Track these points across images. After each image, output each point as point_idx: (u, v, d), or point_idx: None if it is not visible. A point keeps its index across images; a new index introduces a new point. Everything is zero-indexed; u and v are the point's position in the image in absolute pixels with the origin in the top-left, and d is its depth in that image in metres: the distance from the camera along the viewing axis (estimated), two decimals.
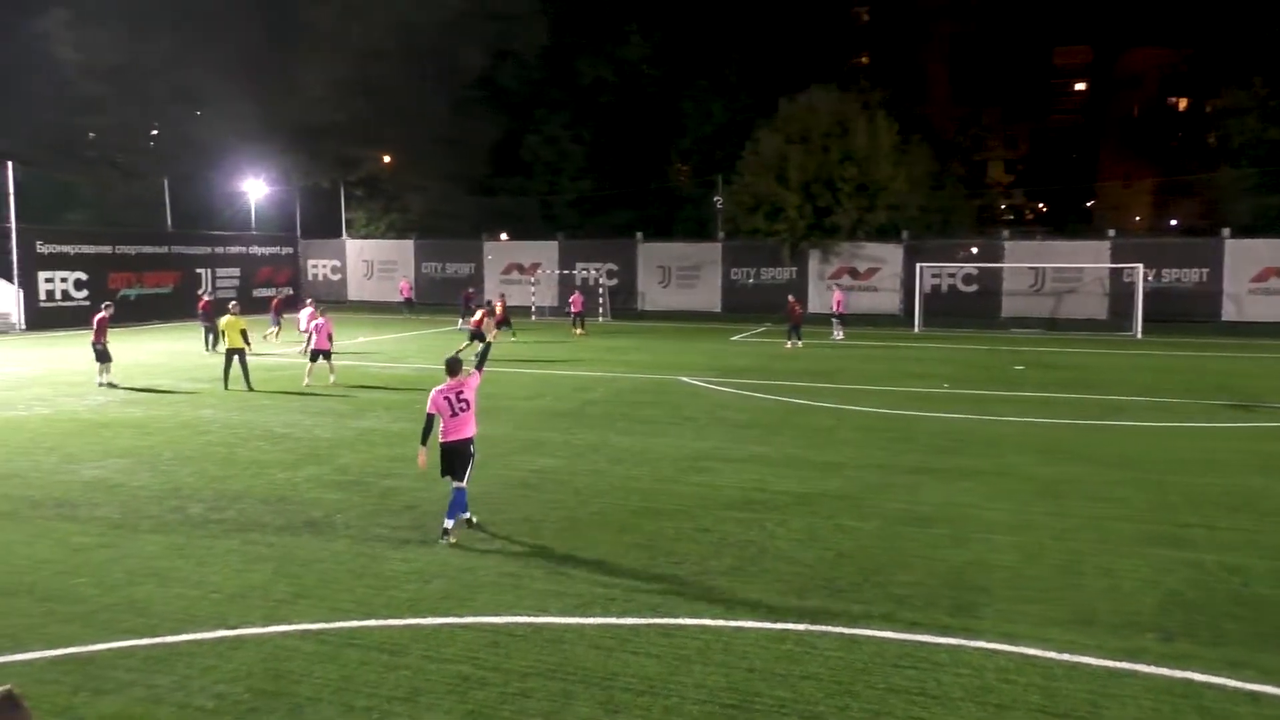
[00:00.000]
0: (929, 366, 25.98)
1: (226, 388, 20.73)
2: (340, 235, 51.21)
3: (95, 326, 21.93)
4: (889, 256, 41.86)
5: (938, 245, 42.14)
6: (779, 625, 7.90)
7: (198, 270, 42.58)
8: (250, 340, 21.80)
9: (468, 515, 10.58)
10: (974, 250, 41.98)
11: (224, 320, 21.75)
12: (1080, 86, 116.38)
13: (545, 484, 12.74)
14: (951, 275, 41.25)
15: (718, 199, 46.21)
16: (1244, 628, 7.95)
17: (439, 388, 10.25)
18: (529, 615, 8.16)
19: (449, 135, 51.43)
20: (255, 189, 48.42)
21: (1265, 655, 7.39)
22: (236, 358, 21.07)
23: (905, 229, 41.88)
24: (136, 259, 39.89)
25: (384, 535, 10.46)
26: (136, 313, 38.71)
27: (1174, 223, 67.41)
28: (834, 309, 34.48)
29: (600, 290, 43.77)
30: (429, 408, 10.16)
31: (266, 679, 7.00)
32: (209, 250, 43.59)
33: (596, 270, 44.91)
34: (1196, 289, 37.77)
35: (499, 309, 31.36)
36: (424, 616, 8.13)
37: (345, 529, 10.69)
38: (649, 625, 7.97)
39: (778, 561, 9.60)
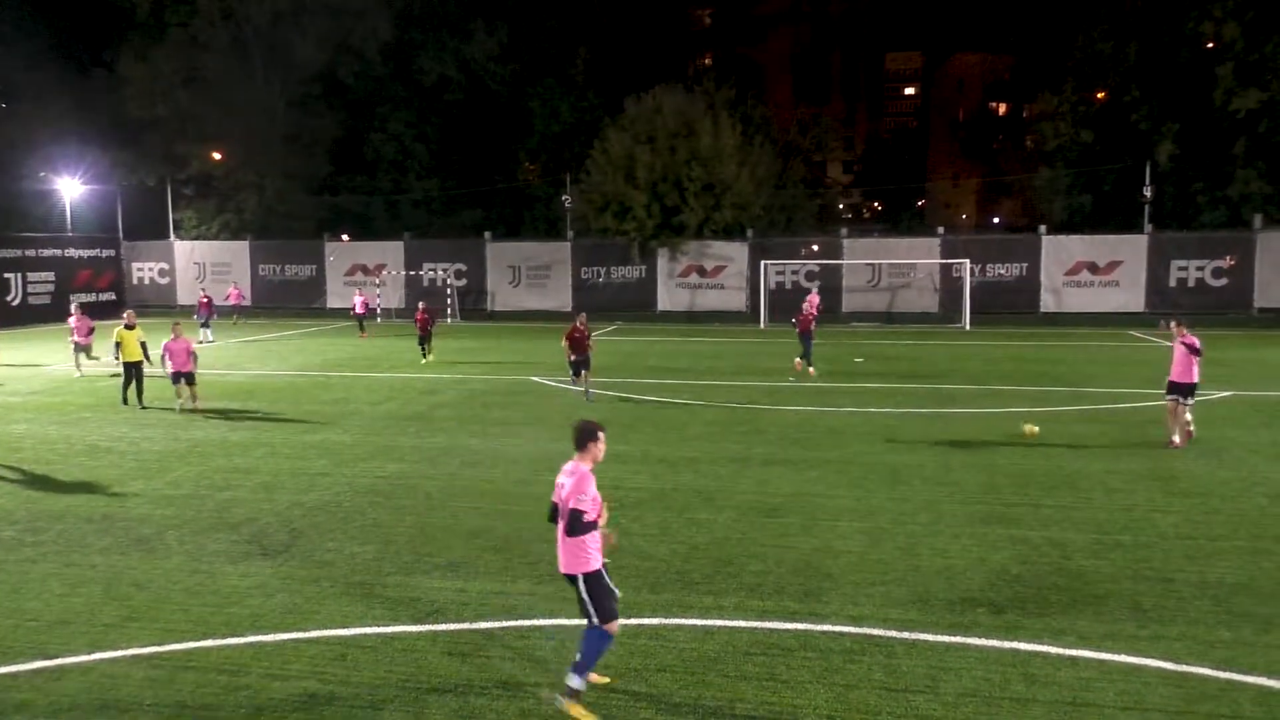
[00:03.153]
0: (775, 361, 26.69)
1: (125, 402, 18.91)
2: (168, 236, 48.52)
3: None
4: (735, 255, 42.81)
5: (781, 243, 43.37)
6: (634, 621, 7.94)
7: (6, 275, 39.46)
8: (150, 354, 19.53)
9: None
10: (815, 248, 43.41)
11: (119, 331, 19.43)
12: (911, 91, 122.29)
13: (395, 490, 12.42)
14: (795, 272, 42.52)
15: (566, 198, 46.21)
16: (1064, 597, 8.49)
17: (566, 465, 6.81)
18: (379, 625, 7.94)
19: (286, 132, 49.48)
20: (70, 188, 45.32)
21: (1083, 621, 7.92)
22: (135, 372, 19.04)
23: (750, 228, 42.92)
24: None
25: (221, 551, 9.97)
26: None
27: (997, 220, 71.60)
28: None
29: (448, 291, 43.05)
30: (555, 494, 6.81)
31: (92, 711, 6.55)
32: (19, 253, 40.45)
33: (445, 271, 44.16)
34: (1018, 283, 40.19)
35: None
36: (266, 633, 7.79)
37: (179, 546, 10.13)
38: (504, 628, 7.88)
39: (633, 557, 9.66)
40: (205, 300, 33.93)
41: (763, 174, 45.10)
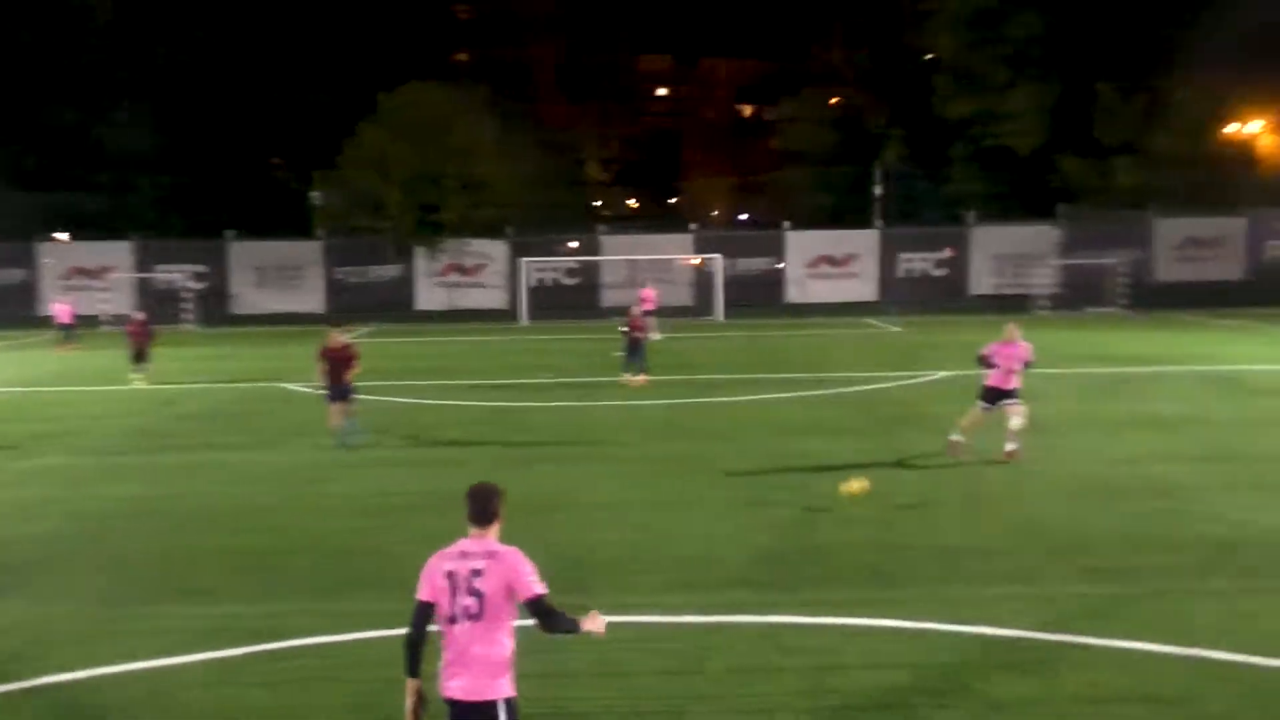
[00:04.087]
0: (537, 358, 26.78)
1: None
2: None
3: None
4: (495, 253, 42.56)
5: (541, 241, 43.55)
6: (399, 631, 7.70)
7: None
8: None
9: None
10: (574, 245, 43.93)
11: None
12: (664, 92, 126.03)
13: (133, 513, 11.41)
14: (554, 269, 42.83)
15: (317, 195, 44.14)
16: (815, 571, 9.04)
17: (445, 549, 4.73)
18: (119, 664, 7.25)
19: None
20: None
21: (830, 592, 8.46)
22: None
23: (510, 225, 42.80)
24: None
25: None
26: None
27: (747, 217, 75.22)
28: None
29: (185, 295, 40.05)
30: (418, 590, 4.70)
31: None
32: None
33: (182, 273, 40.98)
34: (766, 275, 42.43)
35: None
36: None
37: None
38: (260, 652, 7.42)
39: (398, 567, 9.34)
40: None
41: (523, 172, 45.09)
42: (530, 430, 16.19)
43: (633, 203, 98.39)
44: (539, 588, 4.51)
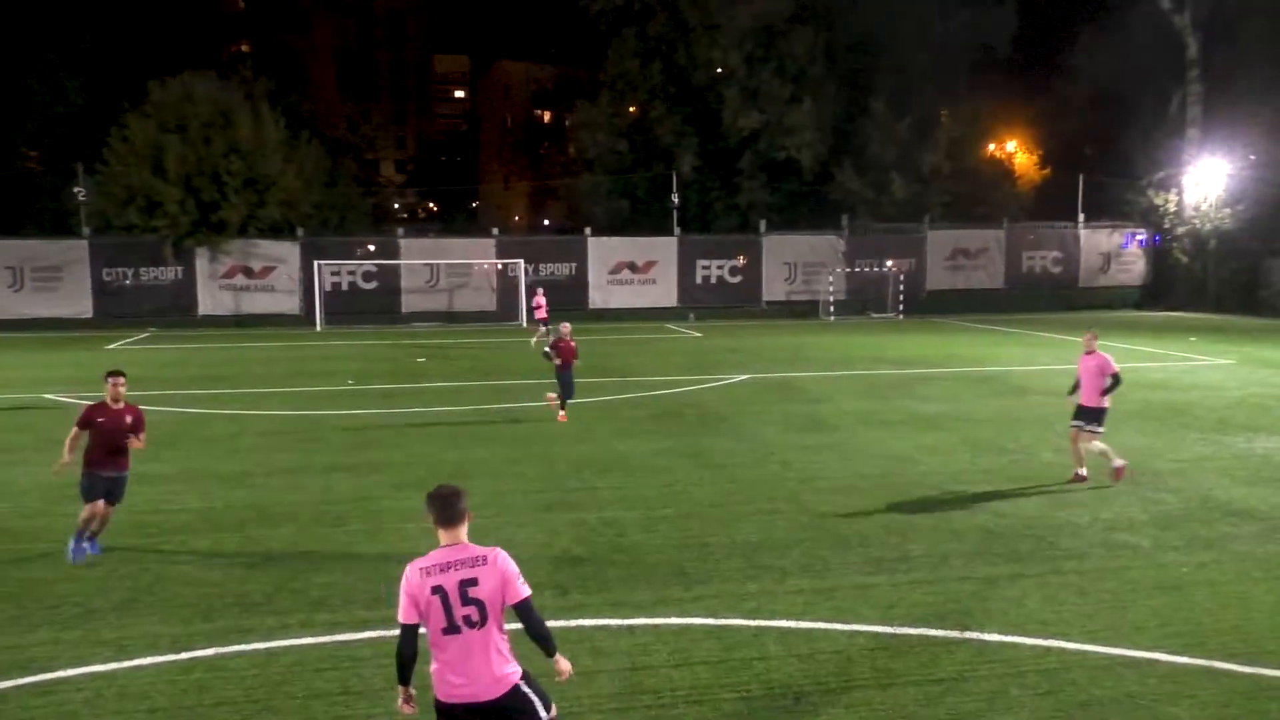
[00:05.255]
0: (334, 364, 25.77)
1: None
2: None
3: None
4: (286, 255, 40.57)
5: (336, 243, 41.92)
6: (184, 655, 7.20)
7: None
8: None
9: None
10: (371, 248, 42.56)
11: None
12: (460, 94, 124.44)
13: None
14: (351, 273, 41.34)
15: (79, 190, 40.55)
16: (621, 572, 9.13)
17: (422, 562, 4.63)
18: None
19: None
20: None
21: (637, 592, 8.57)
22: None
23: (300, 226, 40.95)
24: None
25: None
26: None
27: (547, 223, 75.33)
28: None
29: None
30: (400, 613, 4.64)
31: None
32: None
33: None
34: (569, 280, 42.58)
35: None
36: None
37: None
38: (20, 687, 6.74)
39: (180, 586, 8.75)
40: None
41: (311, 170, 43.22)
42: (323, 439, 15.53)
43: (432, 205, 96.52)
44: (526, 590, 4.70)
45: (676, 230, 44.82)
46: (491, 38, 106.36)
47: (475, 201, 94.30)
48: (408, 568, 4.61)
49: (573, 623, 7.85)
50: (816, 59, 48.60)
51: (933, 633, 7.66)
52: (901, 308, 42.85)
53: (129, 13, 51.45)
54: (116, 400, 9.48)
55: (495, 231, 45.57)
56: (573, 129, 53.36)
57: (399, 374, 23.81)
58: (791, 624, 7.83)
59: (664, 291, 43.30)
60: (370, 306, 40.46)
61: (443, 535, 4.67)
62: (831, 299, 42.76)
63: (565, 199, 64.70)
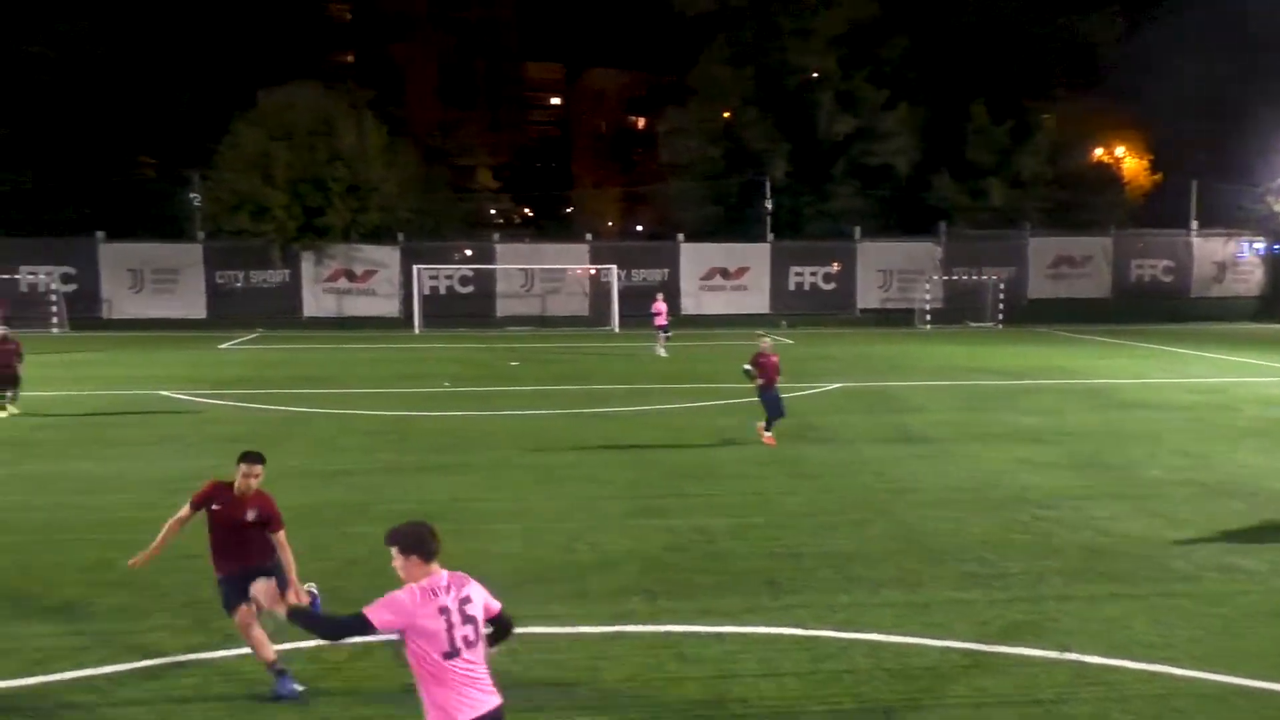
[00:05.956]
0: (431, 367, 26.33)
1: None
2: None
3: None
4: (386, 259, 41.69)
5: (434, 248, 42.89)
6: (286, 646, 7.43)
7: None
8: None
9: None
10: (468, 253, 43.40)
11: None
12: (554, 100, 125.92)
13: None
14: (449, 277, 42.24)
15: (194, 196, 42.40)
16: (710, 579, 9.09)
17: (422, 585, 4.45)
18: None
19: None
20: None
21: (726, 600, 8.53)
22: None
23: (400, 231, 42.01)
24: None
25: None
26: None
27: (640, 228, 75.64)
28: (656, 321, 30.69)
29: (52, 297, 38.00)
30: (377, 618, 4.36)
31: None
32: None
33: (47, 275, 38.85)
34: (661, 287, 42.62)
35: None
36: None
37: None
38: (134, 670, 7.05)
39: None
40: None
41: (408, 176, 44.33)
42: (419, 440, 15.88)
43: (527, 211, 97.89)
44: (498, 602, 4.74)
45: (769, 236, 44.55)
46: (584, 45, 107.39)
47: (569, 207, 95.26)
48: (404, 590, 4.38)
49: (661, 628, 7.85)
50: (912, 62, 47.78)
51: (1030, 652, 7.42)
52: (1001, 317, 41.74)
53: (241, 26, 53.66)
54: (244, 493, 7.13)
55: (588, 237, 45.99)
56: (664, 135, 53.54)
57: (493, 377, 24.19)
58: (883, 637, 7.68)
59: (756, 298, 43.10)
60: (466, 310, 41.25)
61: (420, 571, 4.44)
62: (927, 307, 41.91)
63: (657, 205, 64.91)
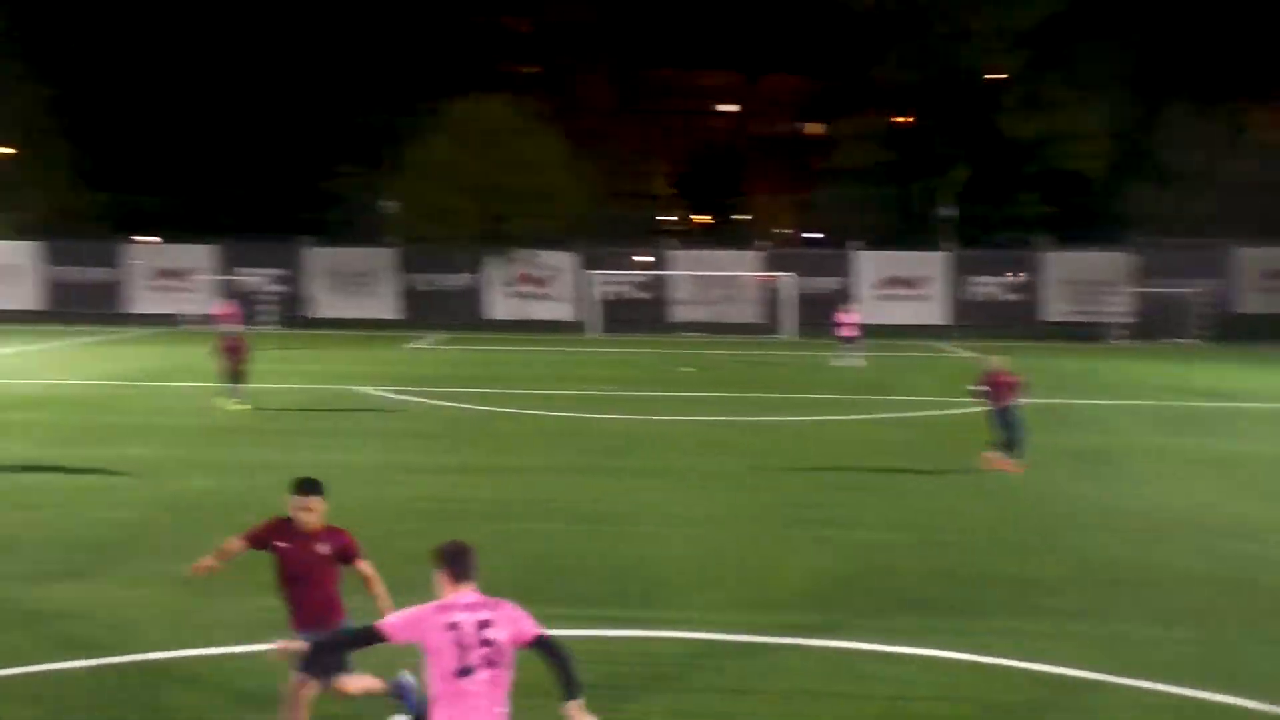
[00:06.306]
0: (604, 370, 26.93)
1: None
2: None
3: None
4: (564, 264, 42.91)
5: (610, 254, 43.77)
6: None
7: None
8: None
9: None
10: (643, 259, 44.09)
11: None
12: (728, 108, 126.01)
13: (209, 505, 11.75)
14: (624, 283, 43.04)
15: (387, 203, 44.95)
16: (886, 597, 8.95)
17: (437, 603, 4.47)
18: (197, 648, 7.50)
19: (83, 128, 45.90)
20: None
21: (903, 619, 8.37)
22: None
23: (578, 237, 43.15)
24: None
25: (21, 572, 9.15)
26: None
27: (814, 235, 74.70)
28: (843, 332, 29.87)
29: (266, 298, 41.09)
30: (387, 627, 4.48)
31: None
32: None
33: (262, 277, 42.09)
34: (835, 295, 42.04)
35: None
36: (77, 658, 7.22)
37: None
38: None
39: None
40: None
41: (589, 184, 45.45)
42: (594, 441, 16.30)
43: (701, 218, 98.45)
44: (541, 627, 4.55)
45: (947, 245, 43.15)
46: (760, 52, 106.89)
47: (742, 214, 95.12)
48: (424, 605, 4.40)
49: (832, 643, 7.80)
50: (1105, 60, 45.16)
51: (1242, 702, 6.87)
52: (1204, 333, 38.86)
53: (432, 40, 56.57)
54: (309, 527, 6.25)
55: (761, 244, 45.82)
56: (840, 140, 52.69)
57: (664, 382, 24.51)
58: (1068, 671, 7.35)
59: (933, 308, 41.81)
60: (640, 316, 41.88)
61: (448, 589, 4.45)
62: (1120, 321, 39.50)
63: (831, 212, 63.99)
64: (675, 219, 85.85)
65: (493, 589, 9.06)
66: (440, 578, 4.49)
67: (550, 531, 10.97)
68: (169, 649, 7.51)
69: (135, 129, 48.19)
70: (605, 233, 47.41)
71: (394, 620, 4.42)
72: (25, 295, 42.53)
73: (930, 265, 42.13)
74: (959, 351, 34.53)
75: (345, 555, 6.14)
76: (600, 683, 7.06)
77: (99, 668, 7.12)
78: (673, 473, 14.01)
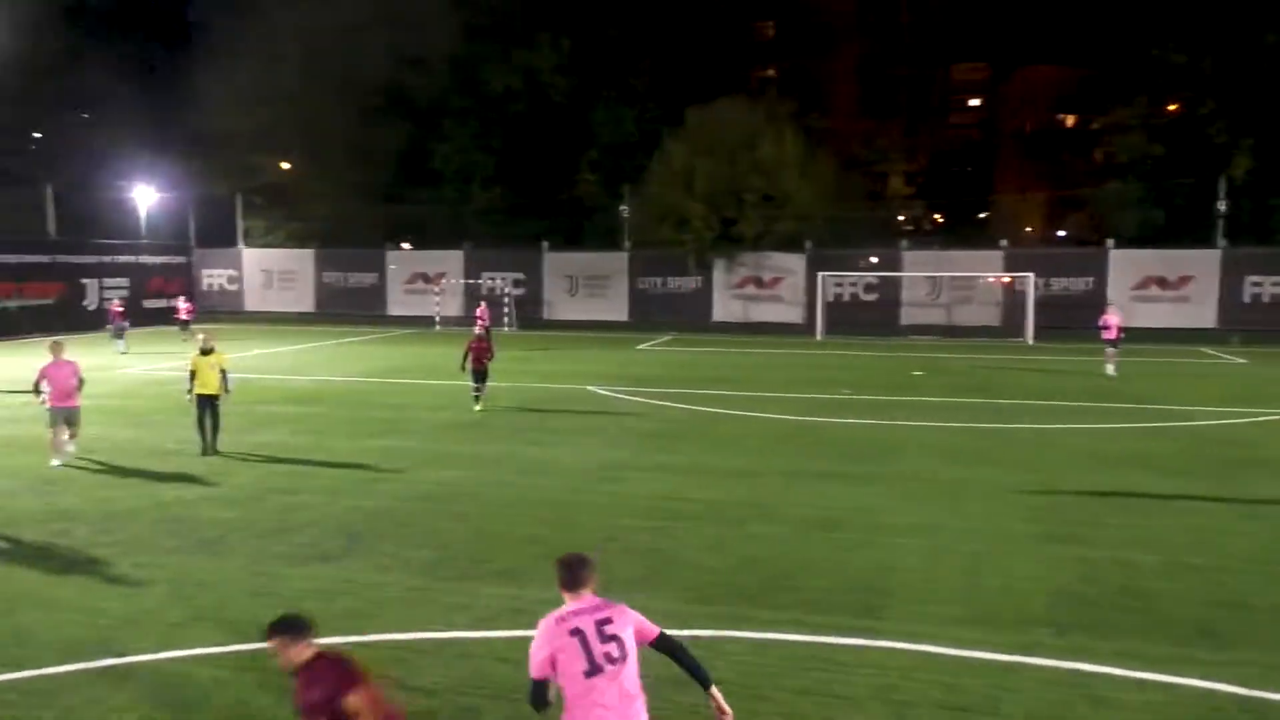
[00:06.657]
0: (831, 373, 26.44)
1: (206, 452, 15.04)
2: (236, 244, 49.69)
3: None
4: (793, 266, 42.52)
5: (839, 255, 42.96)
6: (686, 631, 7.90)
7: (83, 280, 40.73)
8: (230, 385, 15.70)
9: None
10: (874, 260, 42.95)
11: (194, 358, 15.45)
12: (977, 102, 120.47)
13: (451, 496, 12.54)
14: (853, 284, 42.13)
15: (625, 209, 46.31)
16: (1131, 619, 8.26)
17: (557, 614, 4.62)
18: (436, 631, 8.01)
19: (354, 143, 50.37)
20: (145, 196, 46.62)
21: (1150, 645, 7.70)
22: (209, 408, 15.23)
23: (809, 239, 42.63)
24: (16, 268, 37.95)
25: (283, 554, 10.14)
26: (16, 324, 36.76)
27: (1063, 234, 70.12)
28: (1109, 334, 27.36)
29: (505, 300, 43.42)
30: (534, 667, 4.57)
31: (159, 708, 6.70)
32: (96, 259, 41.76)
33: (503, 280, 44.56)
34: (1083, 297, 39.29)
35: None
36: (326, 636, 7.88)
37: (242, 548, 10.33)
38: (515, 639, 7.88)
39: (687, 569, 9.62)
40: (118, 309, 32.66)
41: (823, 185, 44.79)
42: (820, 445, 16.03)
43: (939, 217, 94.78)
44: (658, 627, 4.78)
45: (1221, 242, 39.24)
46: (1014, 43, 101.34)
47: (984, 213, 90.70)
48: (542, 621, 4.59)
49: (1070, 664, 7.28)
50: None
51: None
52: None
53: (675, 49, 57.67)
54: (288, 670, 5.02)
55: (1003, 243, 43.49)
56: (1103, 133, 48.96)
57: (895, 386, 23.76)
58: None
59: (1200, 310, 38.14)
60: (869, 318, 40.85)
61: (569, 598, 4.65)
62: None
63: (1087, 209, 59.77)
64: (911, 219, 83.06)
65: (708, 586, 9.15)
66: (560, 589, 4.71)
67: (773, 535, 10.89)
68: (409, 630, 8.05)
69: (403, 146, 52.30)
70: (838, 234, 46.59)
71: (533, 660, 4.57)
72: (303, 299, 47.29)
73: (1196, 264, 38.48)
74: (1224, 357, 31.33)
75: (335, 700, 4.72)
76: (818, 689, 6.96)
77: (343, 645, 7.74)
78: (903, 480, 13.56)
